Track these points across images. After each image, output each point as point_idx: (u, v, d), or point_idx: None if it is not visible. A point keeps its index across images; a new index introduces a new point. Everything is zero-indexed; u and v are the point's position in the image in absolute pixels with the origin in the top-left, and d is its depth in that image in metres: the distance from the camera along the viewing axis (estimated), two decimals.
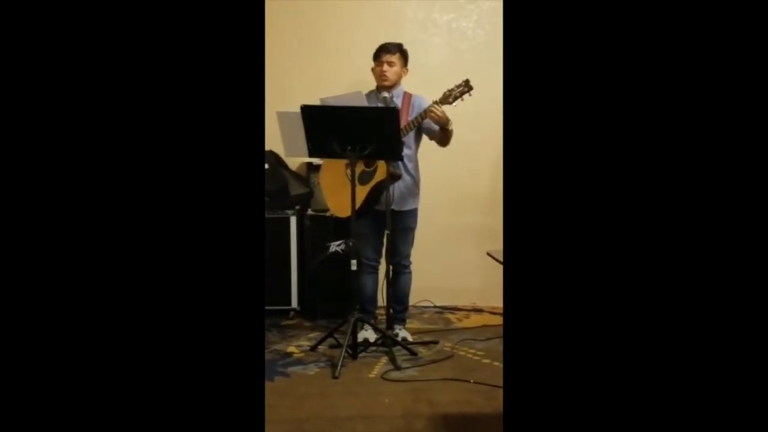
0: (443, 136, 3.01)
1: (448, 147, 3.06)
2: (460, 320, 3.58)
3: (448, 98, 2.85)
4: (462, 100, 2.85)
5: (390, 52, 3.05)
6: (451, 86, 2.87)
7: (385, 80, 3.04)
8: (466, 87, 2.84)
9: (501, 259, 2.23)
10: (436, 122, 2.89)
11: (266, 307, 3.42)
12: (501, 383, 2.48)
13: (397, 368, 2.73)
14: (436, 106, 2.85)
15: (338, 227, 3.21)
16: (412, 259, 3.18)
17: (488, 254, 2.30)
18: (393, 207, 2.99)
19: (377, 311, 3.30)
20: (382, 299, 3.19)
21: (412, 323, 3.38)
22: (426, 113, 2.87)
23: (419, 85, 3.22)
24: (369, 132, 2.72)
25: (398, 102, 3.06)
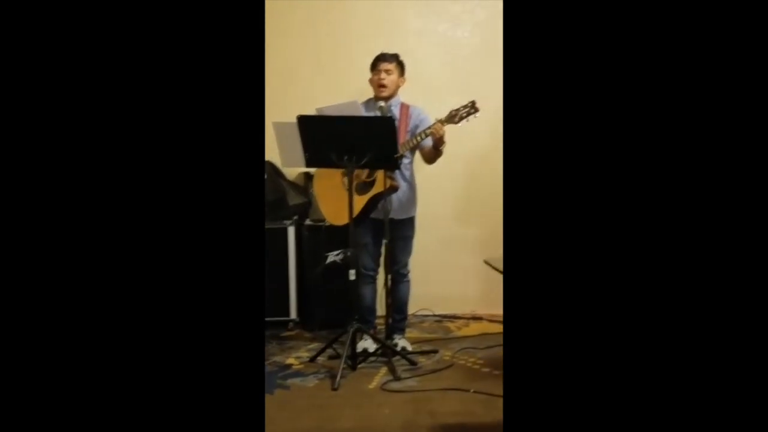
0: (434, 155, 3.00)
1: (445, 155, 3.05)
2: (459, 329, 3.56)
3: (453, 118, 2.84)
4: (467, 120, 2.84)
5: (387, 60, 3.06)
6: (457, 106, 2.85)
7: (383, 88, 3.04)
8: (473, 108, 2.83)
9: (499, 267, 2.23)
10: (436, 140, 2.88)
11: (265, 318, 3.41)
12: (501, 392, 2.46)
13: (397, 378, 2.71)
14: (441, 125, 2.83)
15: (335, 237, 3.20)
16: (410, 267, 3.18)
17: (486, 262, 2.30)
18: (392, 216, 2.99)
19: (377, 321, 3.29)
20: (381, 309, 3.18)
21: (411, 332, 3.37)
22: (428, 131, 2.86)
23: (417, 95, 3.23)
24: (365, 141, 2.71)
25: (396, 112, 3.06)
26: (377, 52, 3.11)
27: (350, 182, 2.77)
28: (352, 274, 2.82)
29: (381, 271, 3.14)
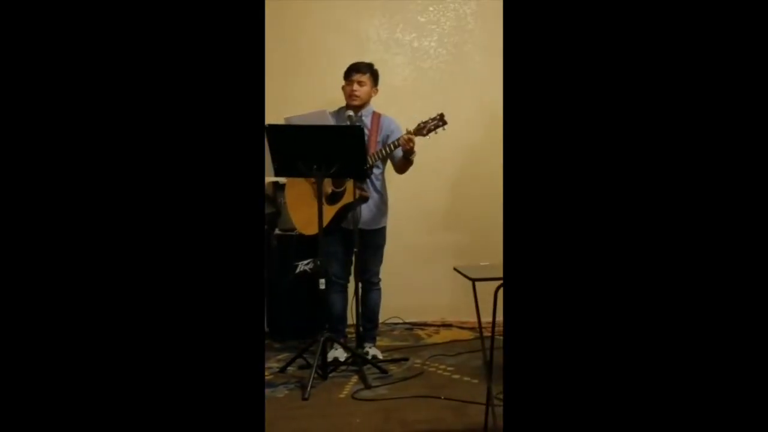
0: (404, 165, 3.01)
1: (415, 165, 3.07)
2: (429, 336, 3.58)
3: (422, 130, 2.87)
4: (435, 133, 2.88)
5: (361, 71, 3.06)
6: (425, 118, 2.88)
7: (355, 99, 3.05)
8: (441, 121, 2.87)
9: (468, 274, 2.25)
10: (406, 150, 2.90)
11: None
12: (471, 399, 2.49)
13: (368, 387, 2.71)
14: (411, 135, 2.85)
15: (305, 246, 3.19)
16: (381, 276, 3.18)
17: (455, 269, 2.32)
18: (363, 226, 3.00)
19: (347, 330, 3.28)
20: (351, 317, 3.18)
21: (381, 340, 3.37)
22: (398, 141, 2.88)
23: (384, 103, 3.24)
24: (334, 151, 2.72)
25: (367, 121, 3.07)
26: (346, 62, 3.11)
27: (319, 192, 2.77)
28: (322, 283, 2.82)
29: (351, 279, 3.15)
